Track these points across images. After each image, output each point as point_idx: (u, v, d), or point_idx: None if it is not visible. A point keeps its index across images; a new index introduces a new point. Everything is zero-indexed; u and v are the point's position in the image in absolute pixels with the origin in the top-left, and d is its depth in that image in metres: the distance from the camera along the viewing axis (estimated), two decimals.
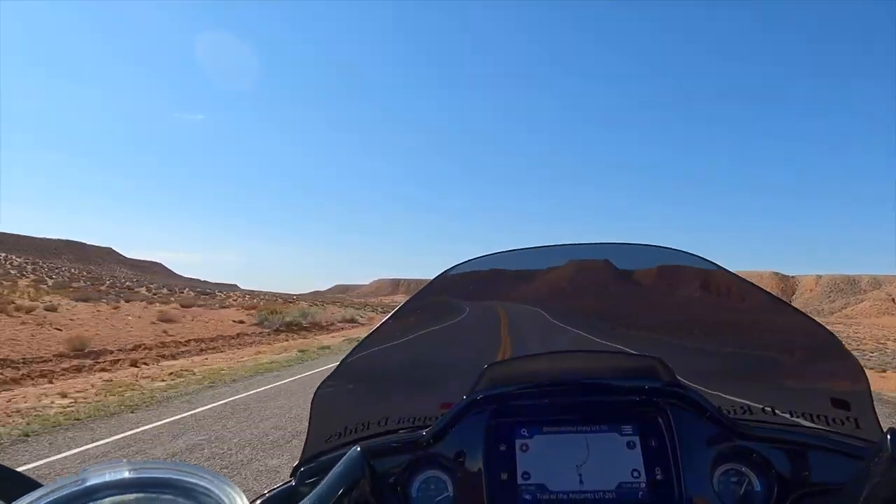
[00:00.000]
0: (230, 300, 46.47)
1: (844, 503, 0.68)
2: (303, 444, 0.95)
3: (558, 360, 1.02)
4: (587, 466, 0.82)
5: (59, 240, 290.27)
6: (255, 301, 45.75)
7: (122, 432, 6.06)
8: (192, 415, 6.86)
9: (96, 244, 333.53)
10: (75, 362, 11.10)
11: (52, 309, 18.41)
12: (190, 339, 16.54)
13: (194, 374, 10.44)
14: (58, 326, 15.61)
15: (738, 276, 1.04)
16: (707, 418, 0.84)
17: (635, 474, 0.81)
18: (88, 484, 0.42)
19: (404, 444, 0.90)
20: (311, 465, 0.89)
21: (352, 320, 37.05)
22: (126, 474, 0.44)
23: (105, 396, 7.87)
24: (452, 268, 1.13)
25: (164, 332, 17.42)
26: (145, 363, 12.06)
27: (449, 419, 0.88)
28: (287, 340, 20.07)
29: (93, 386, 8.89)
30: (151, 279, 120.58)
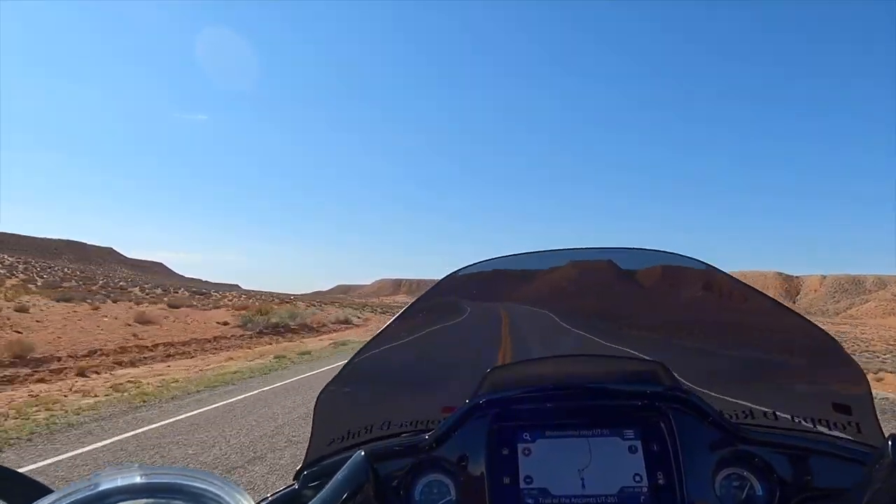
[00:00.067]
0: (225, 300, 45.28)
1: None
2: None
3: (560, 364, 1.02)
4: (589, 471, 0.82)
5: (59, 240, 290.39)
6: (251, 301, 44.59)
7: None
8: (55, 462, 5.05)
9: (97, 244, 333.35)
10: (9, 371, 9.77)
11: (23, 309, 17.23)
12: (160, 343, 15.22)
13: (140, 386, 9.11)
14: (18, 329, 14.36)
15: (739, 280, 1.04)
16: (709, 423, 0.84)
17: (637, 479, 0.81)
18: (101, 489, 0.42)
19: (407, 447, 0.89)
20: (314, 469, 0.89)
21: (346, 321, 35.68)
22: (138, 479, 0.44)
23: (3, 421, 6.51)
24: (458, 270, 1.13)
25: (135, 335, 16.13)
26: (96, 372, 10.75)
27: (451, 423, 0.88)
28: (269, 344, 18.74)
29: (11, 402, 7.55)
30: (151, 279, 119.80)
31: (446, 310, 1.20)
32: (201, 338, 17.66)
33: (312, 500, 0.65)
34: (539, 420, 0.88)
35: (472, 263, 1.13)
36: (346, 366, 1.03)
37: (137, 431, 6.24)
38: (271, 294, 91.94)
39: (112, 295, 35.42)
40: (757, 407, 0.95)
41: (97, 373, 10.78)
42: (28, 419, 6.62)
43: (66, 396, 8.08)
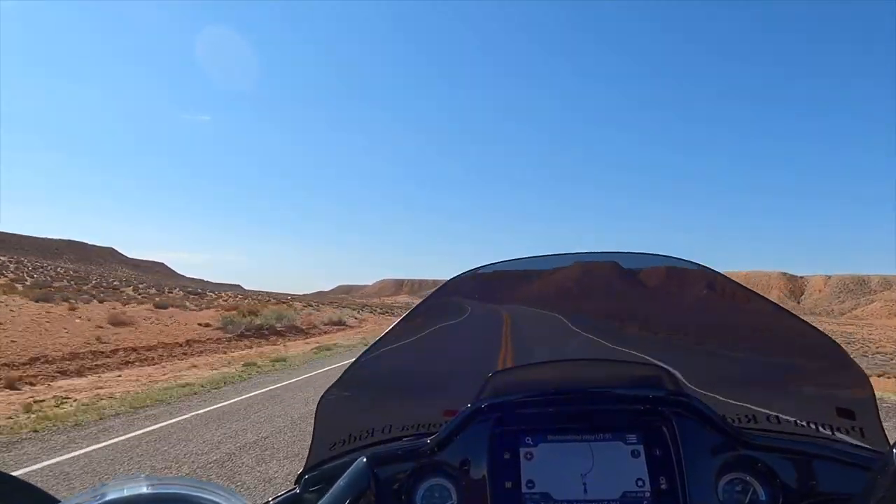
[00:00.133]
0: (220, 301, 44.01)
1: None
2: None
3: (562, 368, 1.01)
4: (592, 475, 0.81)
5: (60, 240, 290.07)
6: (246, 302, 43.29)
7: None
8: None
9: (98, 244, 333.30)
10: None
11: None
12: (121, 349, 13.88)
13: (62, 404, 7.72)
14: None
15: (740, 284, 1.04)
16: (712, 427, 0.83)
17: (640, 483, 0.80)
18: (107, 499, 0.42)
19: (408, 451, 0.89)
20: (315, 473, 0.89)
21: (339, 323, 34.29)
22: (144, 490, 0.44)
23: None
24: (463, 273, 1.12)
25: (98, 338, 14.81)
26: (30, 383, 9.46)
27: (453, 427, 0.87)
28: (248, 348, 17.42)
29: None
30: (152, 280, 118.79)
31: (449, 313, 1.18)
32: (173, 342, 16.32)
33: None
34: (541, 424, 0.88)
35: (477, 266, 1.12)
36: (347, 369, 1.02)
37: None
38: (270, 294, 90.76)
39: (102, 295, 34.26)
40: (760, 410, 0.95)
41: (31, 384, 9.47)
42: None
43: None
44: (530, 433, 0.86)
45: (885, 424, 0.88)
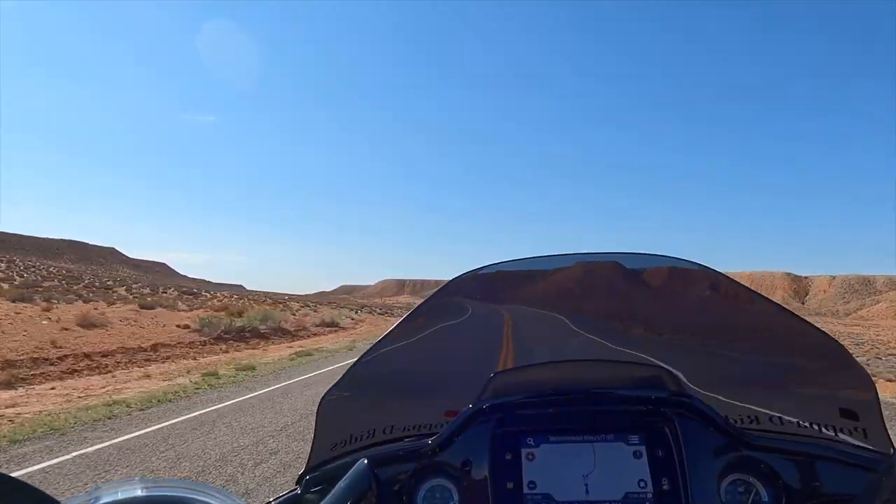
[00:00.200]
0: (214, 301, 42.70)
1: None
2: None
3: (564, 368, 1.01)
4: (593, 476, 0.81)
5: (61, 240, 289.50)
6: (242, 302, 41.97)
7: None
8: None
9: (99, 244, 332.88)
10: None
11: None
12: (72, 354, 12.47)
13: None
14: None
15: (743, 285, 1.03)
16: (714, 428, 0.83)
17: (642, 484, 0.80)
18: (102, 502, 0.42)
19: (409, 452, 0.89)
20: (316, 474, 0.89)
21: (331, 324, 32.87)
22: (139, 492, 0.44)
23: None
24: (464, 273, 1.12)
25: (54, 342, 13.44)
26: None
27: (454, 428, 0.87)
28: (224, 353, 16.05)
29: None
30: (152, 280, 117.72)
31: (451, 313, 1.17)
32: (137, 346, 14.91)
33: None
34: (543, 425, 0.87)
35: (478, 267, 1.12)
36: (348, 370, 1.02)
37: None
38: (270, 295, 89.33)
39: (90, 295, 33.01)
40: (762, 411, 0.94)
41: None
42: None
43: None
44: (532, 434, 0.86)
45: (889, 426, 0.87)
